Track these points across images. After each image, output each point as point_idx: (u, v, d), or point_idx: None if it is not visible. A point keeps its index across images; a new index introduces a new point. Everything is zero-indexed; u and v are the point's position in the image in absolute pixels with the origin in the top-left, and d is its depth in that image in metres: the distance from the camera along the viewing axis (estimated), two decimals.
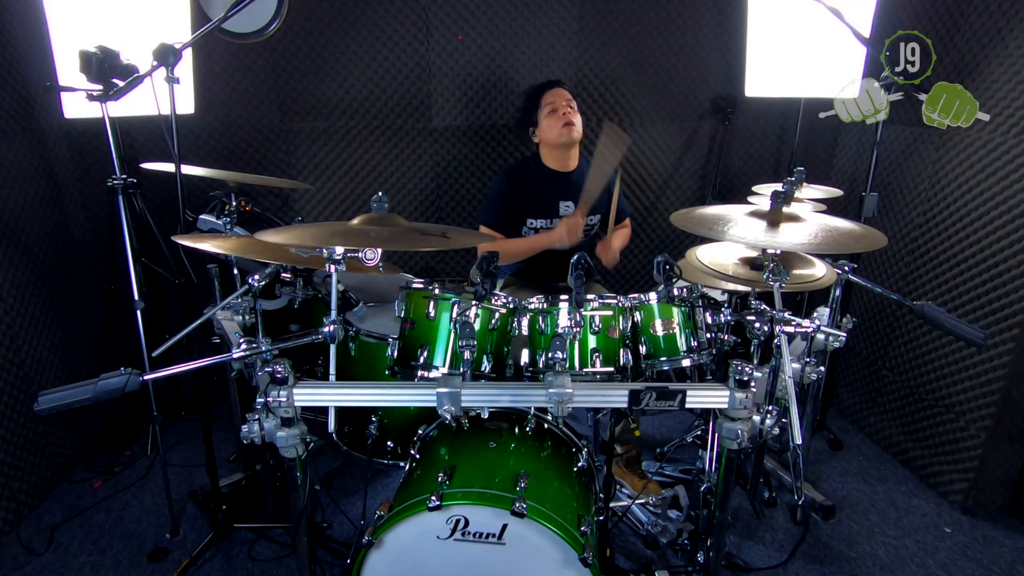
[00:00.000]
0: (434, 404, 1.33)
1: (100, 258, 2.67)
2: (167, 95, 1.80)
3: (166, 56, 1.75)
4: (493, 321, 1.58)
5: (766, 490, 2.36)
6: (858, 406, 2.92)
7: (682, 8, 2.99)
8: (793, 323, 1.35)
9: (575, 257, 1.50)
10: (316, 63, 2.86)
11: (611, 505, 1.84)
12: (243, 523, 2.17)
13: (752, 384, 1.33)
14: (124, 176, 2.06)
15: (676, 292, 1.61)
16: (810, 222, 1.51)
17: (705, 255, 1.74)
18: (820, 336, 1.65)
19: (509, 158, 3.14)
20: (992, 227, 2.21)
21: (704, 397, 1.35)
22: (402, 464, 1.85)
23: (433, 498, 1.40)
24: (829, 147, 3.11)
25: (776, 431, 1.36)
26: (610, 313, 1.57)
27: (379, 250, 1.44)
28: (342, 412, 1.98)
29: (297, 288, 2.01)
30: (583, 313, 1.55)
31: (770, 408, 1.38)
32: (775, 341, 1.37)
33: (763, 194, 2.32)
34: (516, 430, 1.76)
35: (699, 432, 2.45)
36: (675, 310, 1.63)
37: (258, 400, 1.32)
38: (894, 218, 2.67)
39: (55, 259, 2.46)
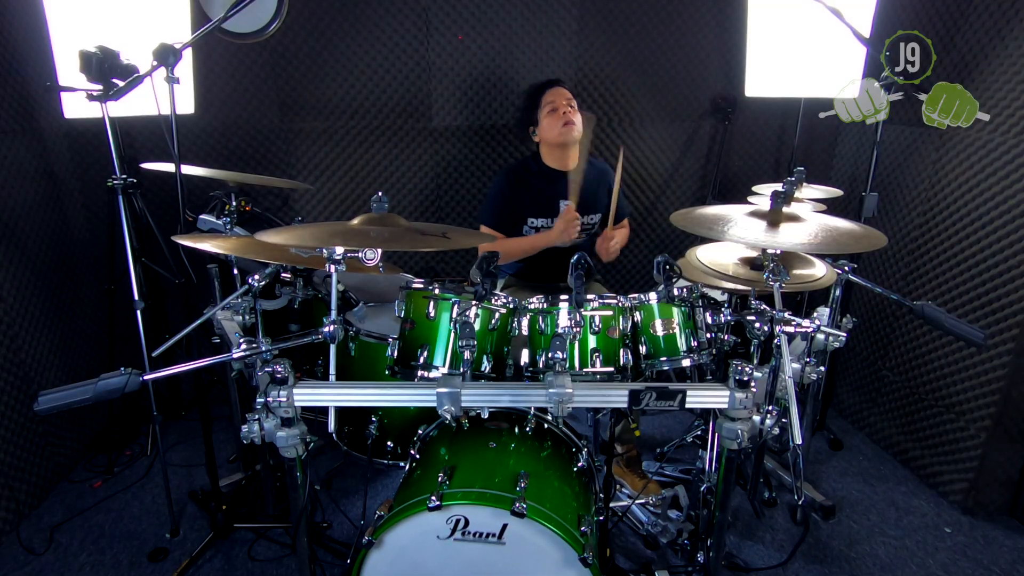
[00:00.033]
0: (434, 404, 1.33)
1: (100, 258, 2.67)
2: (167, 95, 1.80)
3: (166, 56, 1.75)
4: (493, 321, 1.58)
5: (766, 490, 2.36)
6: (858, 406, 2.92)
7: (682, 8, 2.99)
8: (793, 323, 1.35)
9: (575, 257, 1.51)
10: (316, 63, 2.86)
11: (611, 505, 1.84)
12: (243, 523, 2.17)
13: (752, 384, 1.33)
14: (124, 176, 2.06)
15: (676, 292, 1.61)
16: (810, 222, 1.51)
17: (705, 255, 1.74)
18: (820, 336, 1.64)
19: (509, 158, 3.14)
20: (992, 227, 2.21)
21: (704, 397, 1.35)
22: (402, 464, 1.85)
23: (433, 498, 1.40)
24: (829, 147, 3.11)
25: (776, 431, 1.36)
26: (610, 313, 1.57)
27: (379, 250, 1.44)
28: (342, 412, 1.98)
29: (297, 288, 2.01)
30: (583, 313, 1.55)
31: (770, 408, 1.38)
32: (775, 341, 1.37)
33: (763, 194, 2.32)
34: (516, 430, 1.76)
35: (699, 432, 2.45)
36: (675, 310, 1.63)
37: (258, 400, 1.32)
38: (894, 218, 2.67)
39: (55, 259, 2.46)
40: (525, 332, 1.61)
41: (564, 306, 1.55)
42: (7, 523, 2.17)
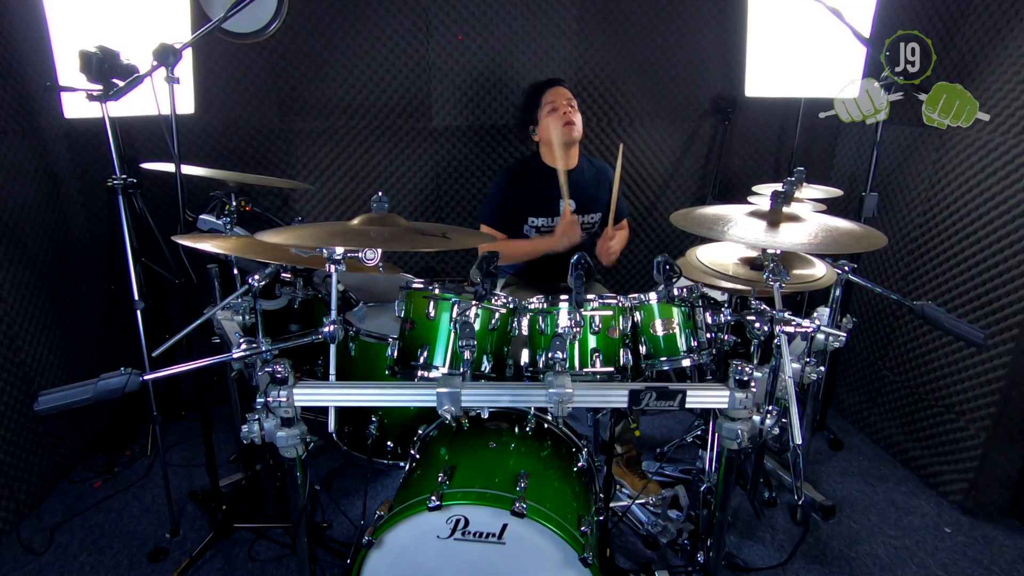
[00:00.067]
0: (434, 404, 1.33)
1: (100, 258, 2.67)
2: (167, 95, 1.80)
3: (166, 56, 1.75)
4: (493, 321, 1.58)
5: (766, 490, 2.36)
6: (858, 406, 2.92)
7: (682, 8, 2.99)
8: (793, 323, 1.35)
9: (575, 257, 1.50)
10: (316, 63, 2.86)
11: (611, 505, 1.84)
12: (243, 523, 2.17)
13: (752, 384, 1.33)
14: (124, 176, 2.06)
15: (676, 292, 1.61)
16: (810, 222, 1.51)
17: (705, 255, 1.74)
18: (820, 336, 1.64)
19: (509, 158, 3.14)
20: (992, 227, 2.21)
21: (704, 397, 1.35)
22: (402, 464, 1.85)
23: (433, 498, 1.40)
24: (829, 147, 3.11)
25: (776, 431, 1.36)
26: (610, 313, 1.57)
27: (379, 250, 1.44)
28: (342, 412, 1.98)
29: (297, 288, 2.01)
30: (583, 313, 1.55)
31: (770, 408, 1.38)
32: (775, 341, 1.37)
33: (763, 194, 2.32)
34: (516, 430, 1.76)
35: (699, 432, 2.45)
36: (675, 310, 1.62)
37: (258, 400, 1.32)
38: (894, 218, 2.67)
39: (55, 259, 2.46)
40: (525, 332, 1.61)
41: (564, 306, 1.55)
42: (7, 523, 2.17)
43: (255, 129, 2.91)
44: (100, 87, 1.85)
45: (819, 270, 1.72)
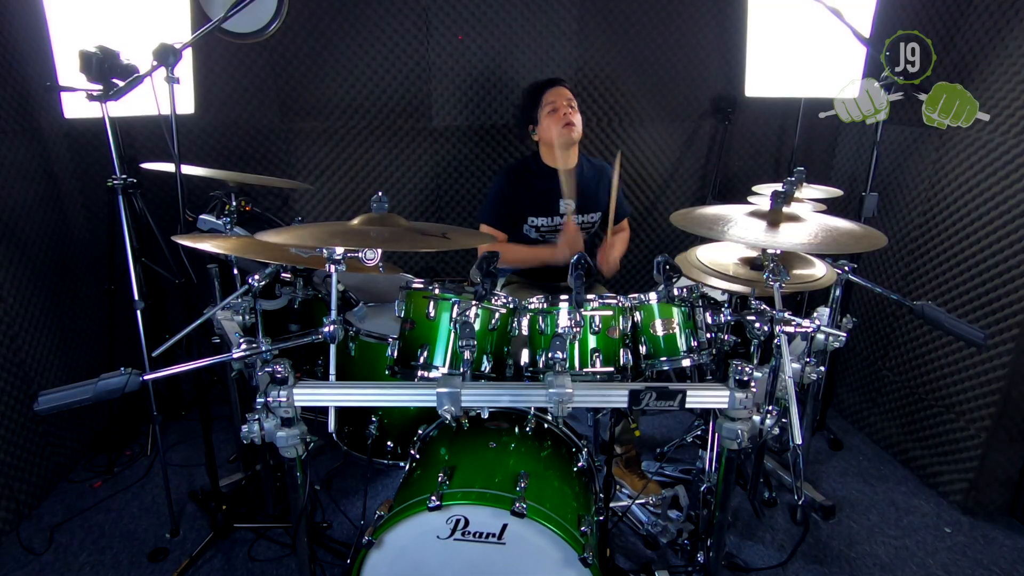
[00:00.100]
0: (434, 404, 1.33)
1: (100, 258, 2.67)
2: (167, 95, 1.80)
3: (166, 56, 1.75)
4: (493, 321, 1.58)
5: (766, 490, 2.36)
6: (858, 406, 2.92)
7: (682, 8, 2.99)
8: (793, 323, 1.35)
9: (575, 257, 1.50)
10: (316, 63, 2.86)
11: (611, 505, 1.84)
12: (243, 523, 2.17)
13: (752, 384, 1.33)
14: (124, 176, 2.06)
15: (676, 292, 1.61)
16: (810, 222, 1.51)
17: (705, 255, 1.74)
18: (820, 336, 1.64)
19: (509, 158, 3.14)
20: (992, 227, 2.21)
21: (704, 397, 1.35)
22: (402, 464, 1.85)
23: (433, 498, 1.40)
24: (829, 147, 3.11)
25: (776, 431, 1.36)
26: (610, 313, 1.57)
27: (379, 250, 1.44)
28: (342, 412, 1.98)
29: (297, 288, 2.01)
30: (583, 313, 1.55)
31: (770, 408, 1.38)
32: (775, 341, 1.37)
33: (763, 194, 2.32)
34: (516, 430, 1.76)
35: (699, 432, 2.45)
36: (675, 310, 1.63)
37: (258, 400, 1.32)
38: (894, 218, 2.67)
39: (55, 259, 2.46)
40: (525, 332, 1.61)
41: (564, 306, 1.55)
42: (7, 523, 2.17)
43: (255, 129, 2.91)
44: (100, 87, 1.85)
45: (819, 270, 1.72)
